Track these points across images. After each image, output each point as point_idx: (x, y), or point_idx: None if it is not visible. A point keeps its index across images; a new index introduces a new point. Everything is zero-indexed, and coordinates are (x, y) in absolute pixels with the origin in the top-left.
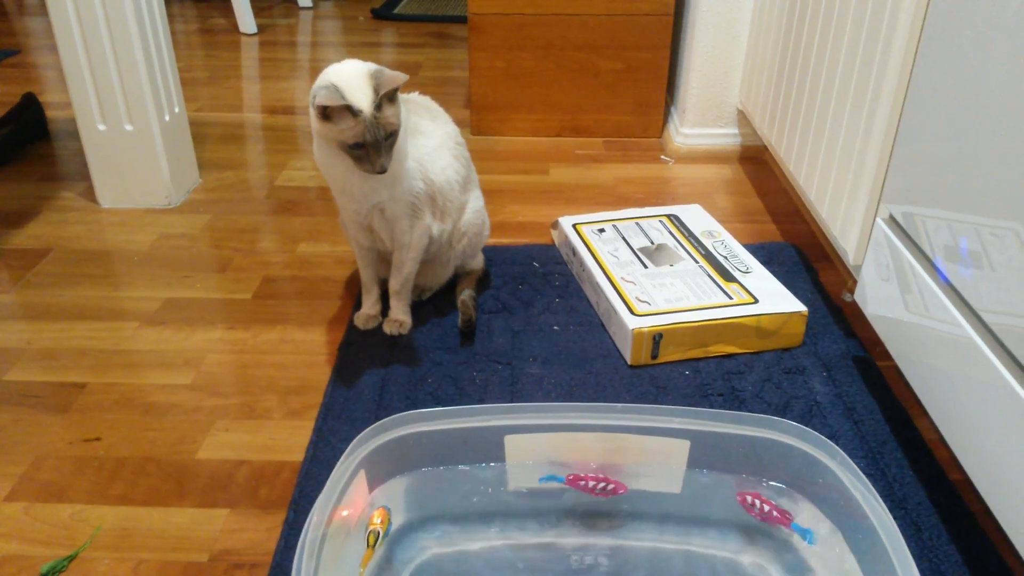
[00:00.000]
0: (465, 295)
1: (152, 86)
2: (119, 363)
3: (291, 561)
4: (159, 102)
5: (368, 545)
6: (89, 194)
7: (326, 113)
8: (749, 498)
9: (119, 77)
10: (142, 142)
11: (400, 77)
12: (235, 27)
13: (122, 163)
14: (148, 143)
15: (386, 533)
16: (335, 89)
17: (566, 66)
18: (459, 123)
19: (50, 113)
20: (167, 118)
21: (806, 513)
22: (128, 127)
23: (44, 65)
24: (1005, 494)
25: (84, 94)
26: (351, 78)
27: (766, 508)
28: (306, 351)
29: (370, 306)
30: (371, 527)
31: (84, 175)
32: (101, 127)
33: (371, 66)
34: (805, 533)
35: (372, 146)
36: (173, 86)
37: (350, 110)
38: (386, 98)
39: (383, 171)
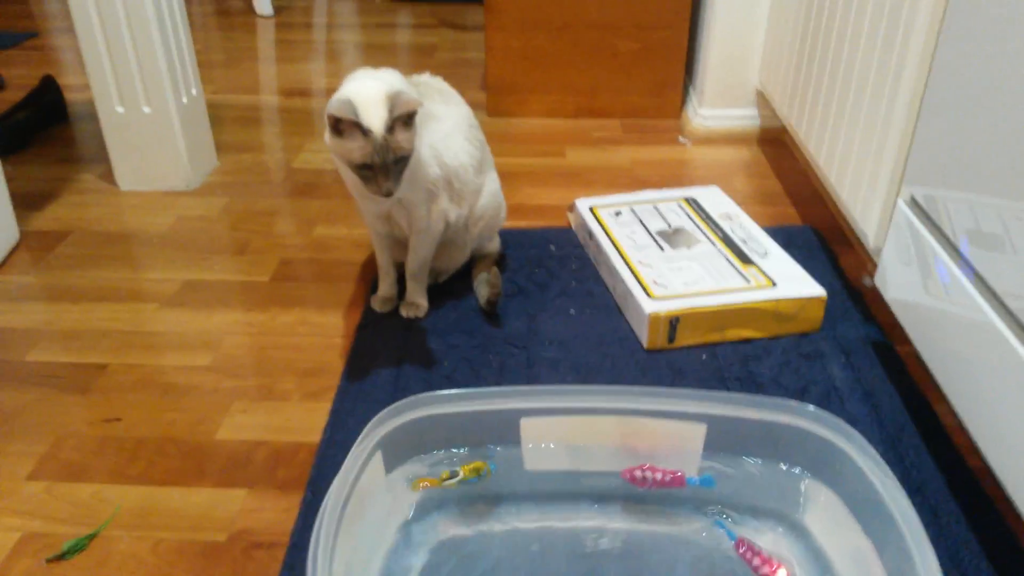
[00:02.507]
0: (488, 274)
1: (169, 68)
2: (139, 344)
3: (308, 541)
4: (176, 84)
5: (441, 477)
6: (108, 176)
7: (338, 127)
8: (638, 473)
9: (137, 59)
10: (160, 124)
11: (416, 102)
12: (251, 9)
13: (140, 145)
14: (166, 125)
15: (466, 480)
16: (350, 104)
17: (583, 46)
18: (475, 105)
19: (68, 96)
20: (185, 100)
21: (823, 498)
22: (146, 109)
23: (62, 47)
24: (1023, 481)
25: (102, 76)
26: (368, 96)
27: (658, 476)
28: (323, 333)
29: (387, 289)
30: (469, 469)
31: (103, 157)
32: (119, 109)
33: (391, 86)
34: (705, 481)
35: (379, 168)
36: (190, 68)
37: (360, 128)
38: (401, 121)
39: (389, 195)
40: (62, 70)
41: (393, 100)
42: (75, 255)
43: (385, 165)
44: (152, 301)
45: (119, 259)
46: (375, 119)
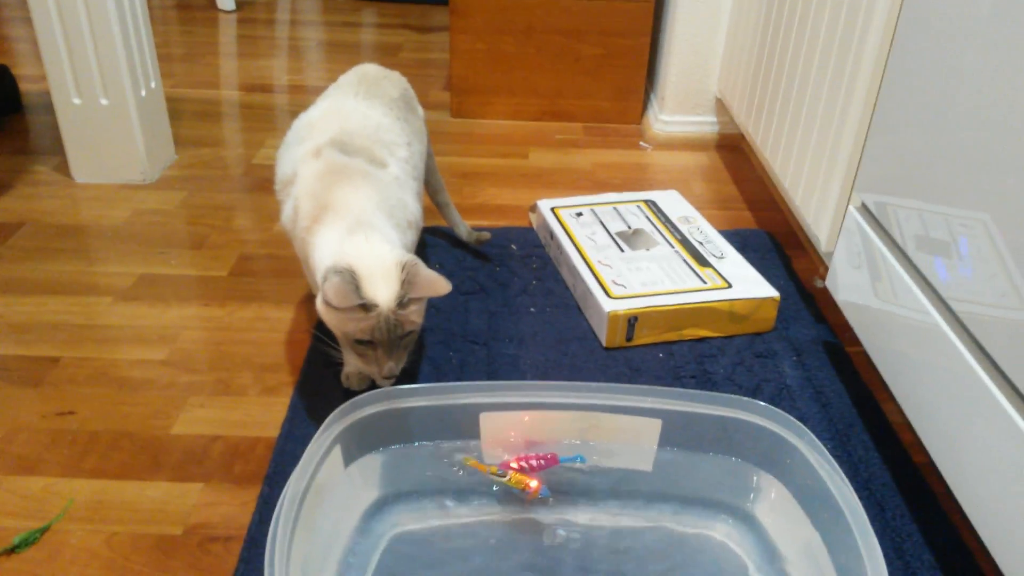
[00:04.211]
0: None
1: (128, 60)
2: (93, 338)
3: (265, 535)
4: (135, 77)
5: (491, 470)
6: (63, 168)
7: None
8: (515, 464)
9: (95, 50)
10: (117, 117)
11: (442, 286)
12: (213, 3)
13: (97, 138)
14: (124, 118)
15: (508, 487)
16: (350, 278)
17: (547, 51)
18: (439, 106)
19: (24, 86)
20: (143, 93)
21: (774, 491)
22: (103, 101)
23: (17, 37)
24: (966, 476)
25: (59, 67)
26: (374, 264)
27: (533, 463)
28: (282, 329)
29: None
30: (518, 478)
31: (58, 149)
32: (76, 101)
33: (403, 255)
34: (576, 459)
35: (383, 345)
36: (150, 61)
37: (363, 306)
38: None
39: (391, 377)
40: (17, 60)
41: (409, 272)
42: (28, 247)
43: (390, 342)
44: (106, 295)
45: (73, 252)
46: (383, 293)
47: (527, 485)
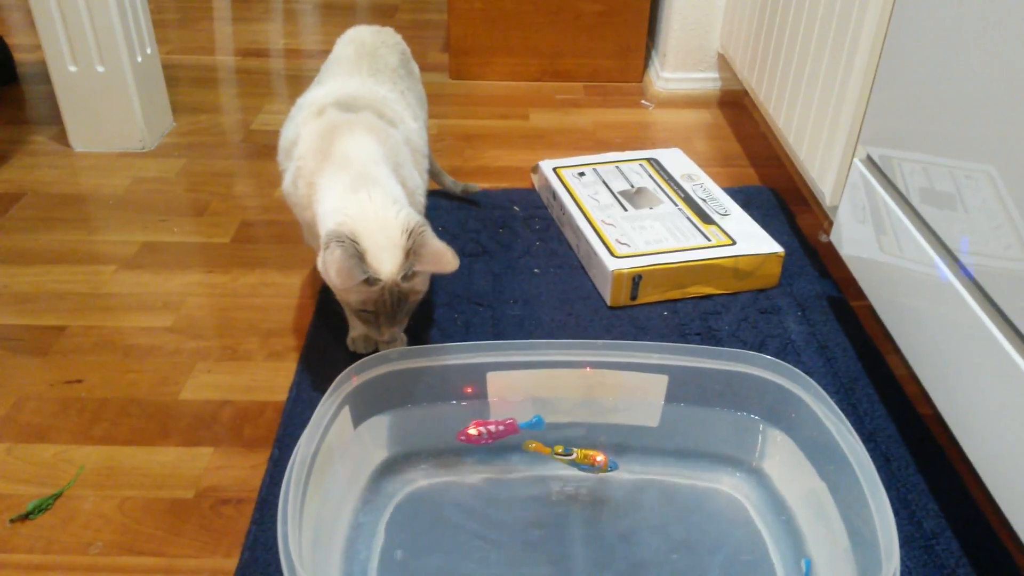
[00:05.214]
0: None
1: (124, 26)
2: (98, 306)
3: (277, 496)
4: (131, 43)
5: (554, 449)
6: (61, 137)
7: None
8: (474, 431)
9: (89, 17)
10: (114, 84)
11: (449, 261)
12: None
13: (94, 106)
14: (120, 85)
15: (576, 464)
16: (353, 250)
17: (546, 8)
18: (437, 67)
19: (18, 56)
20: (139, 59)
21: (780, 444)
22: (100, 68)
23: (10, 6)
24: (972, 426)
25: (54, 35)
26: (378, 230)
27: (492, 428)
28: (287, 294)
29: None
30: (584, 453)
31: (56, 118)
32: (72, 69)
33: (410, 217)
34: (536, 424)
35: (384, 315)
36: (145, 26)
37: (366, 280)
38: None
39: (392, 341)
40: (11, 29)
41: (416, 240)
42: (29, 217)
43: (392, 312)
44: (110, 263)
45: (75, 221)
46: (386, 264)
47: (595, 460)
